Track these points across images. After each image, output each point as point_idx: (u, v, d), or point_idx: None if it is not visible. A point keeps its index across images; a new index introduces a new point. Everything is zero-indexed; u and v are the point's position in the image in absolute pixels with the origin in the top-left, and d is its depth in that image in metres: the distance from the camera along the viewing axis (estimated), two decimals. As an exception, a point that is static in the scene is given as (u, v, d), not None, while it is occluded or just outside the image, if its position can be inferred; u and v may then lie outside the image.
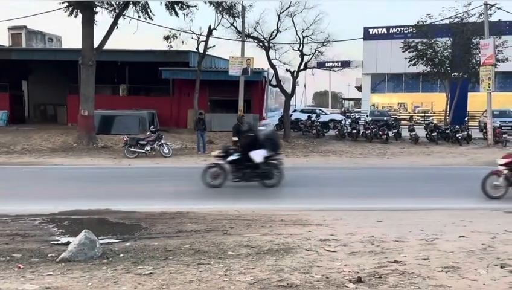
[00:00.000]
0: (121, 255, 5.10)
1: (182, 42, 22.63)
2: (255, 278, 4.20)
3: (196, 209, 7.87)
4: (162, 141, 15.99)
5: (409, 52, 23.90)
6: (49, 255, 5.13)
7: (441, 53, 23.53)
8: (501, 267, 4.50)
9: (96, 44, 18.22)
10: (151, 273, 4.37)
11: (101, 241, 5.43)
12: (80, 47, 18.22)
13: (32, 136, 18.59)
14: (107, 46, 19.01)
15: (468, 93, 26.67)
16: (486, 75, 19.20)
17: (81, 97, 18.20)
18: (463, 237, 5.77)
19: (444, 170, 13.80)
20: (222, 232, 6.26)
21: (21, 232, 6.28)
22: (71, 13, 18.97)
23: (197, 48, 22.56)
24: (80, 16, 18.46)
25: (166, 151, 15.91)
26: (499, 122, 21.79)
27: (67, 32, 74.50)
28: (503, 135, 19.24)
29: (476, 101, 28.03)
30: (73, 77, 21.96)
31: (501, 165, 9.00)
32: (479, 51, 20.50)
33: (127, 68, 24.14)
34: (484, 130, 21.34)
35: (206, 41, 22.10)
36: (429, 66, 23.98)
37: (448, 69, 23.74)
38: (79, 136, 18.14)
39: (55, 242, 5.81)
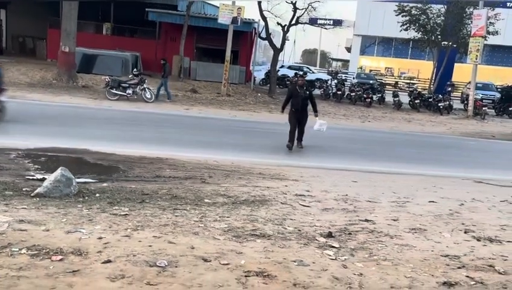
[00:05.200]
0: (97, 195, 5.11)
1: (171, -17, 21.74)
2: (229, 226, 4.29)
3: (175, 157, 7.86)
4: (145, 86, 15.61)
5: (402, 16, 23.54)
6: (24, 189, 5.09)
7: (434, 20, 23.28)
8: (465, 232, 4.71)
9: (80, -23, 17.31)
10: (126, 214, 4.41)
11: (78, 180, 5.41)
12: (63, -22, 17.31)
13: (9, 68, 17.88)
14: (91, -20, 18.08)
15: (455, 64, 26.70)
16: (475, 46, 19.17)
17: (62, 32, 17.44)
18: (432, 202, 5.97)
19: (422, 137, 14.09)
20: (200, 180, 6.31)
21: (-5, 165, 6.19)
22: None
23: (187, -9, 21.71)
24: None
25: (149, 96, 15.61)
26: (481, 95, 22.02)
27: (50, -38, 70.19)
28: (483, 108, 19.51)
29: (461, 72, 28.15)
30: (55, 10, 20.95)
31: None
32: (471, 21, 20.35)
33: (112, 6, 23.10)
34: (465, 102, 21.61)
35: (197, -15, 21.25)
36: (420, 33, 23.75)
37: (439, 37, 23.58)
38: (59, 72, 17.56)
39: (31, 177, 5.75)
